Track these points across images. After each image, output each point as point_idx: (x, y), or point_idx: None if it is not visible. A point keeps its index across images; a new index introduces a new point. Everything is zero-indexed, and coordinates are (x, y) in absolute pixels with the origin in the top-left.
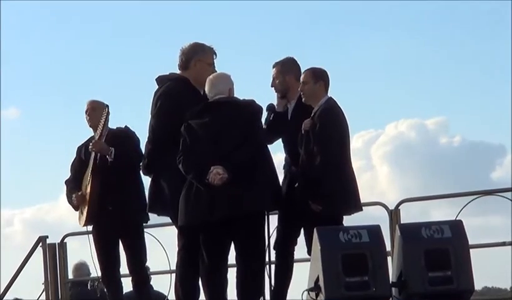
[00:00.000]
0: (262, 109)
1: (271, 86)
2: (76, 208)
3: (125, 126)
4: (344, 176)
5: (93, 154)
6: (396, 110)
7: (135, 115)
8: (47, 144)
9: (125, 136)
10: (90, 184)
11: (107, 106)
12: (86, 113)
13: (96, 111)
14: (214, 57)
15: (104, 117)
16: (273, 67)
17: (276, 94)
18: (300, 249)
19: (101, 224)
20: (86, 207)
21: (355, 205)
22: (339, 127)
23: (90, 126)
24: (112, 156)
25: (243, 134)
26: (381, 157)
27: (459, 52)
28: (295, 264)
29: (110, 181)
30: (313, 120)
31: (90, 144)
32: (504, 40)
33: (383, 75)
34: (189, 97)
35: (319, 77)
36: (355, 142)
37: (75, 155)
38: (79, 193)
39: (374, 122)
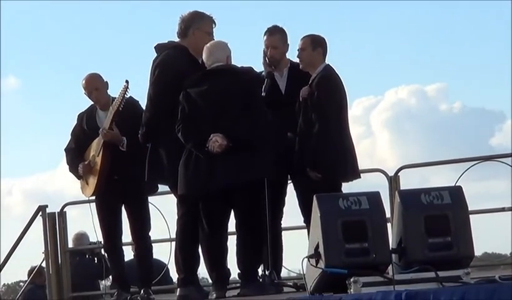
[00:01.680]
0: (260, 76)
1: (268, 56)
2: (79, 177)
3: (130, 96)
4: (342, 144)
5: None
6: (396, 77)
7: (134, 83)
8: (47, 113)
9: (131, 109)
10: (101, 156)
11: (127, 81)
12: (89, 95)
13: (100, 90)
14: (213, 26)
15: (122, 93)
16: (266, 35)
17: (263, 61)
18: (297, 217)
19: (105, 192)
20: (93, 178)
21: (353, 172)
22: (337, 94)
23: (100, 107)
24: (124, 147)
25: (242, 101)
26: (381, 124)
27: (460, 17)
28: (292, 231)
29: (120, 153)
30: (311, 87)
31: (100, 132)
32: (505, 5)
33: (383, 41)
34: (187, 66)
35: (317, 44)
36: (355, 109)
37: (76, 122)
38: (86, 163)
39: (374, 89)
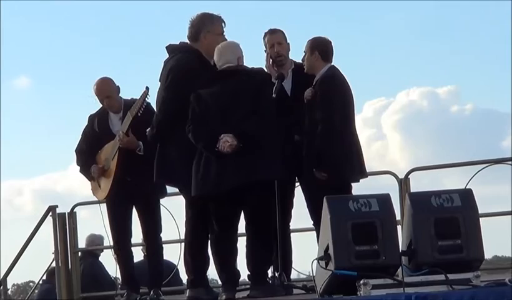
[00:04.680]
0: (271, 77)
1: (279, 56)
2: (91, 179)
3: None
4: (346, 142)
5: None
6: (407, 79)
7: (143, 83)
8: (57, 113)
9: (147, 113)
10: (116, 161)
11: (147, 88)
12: (101, 102)
13: (111, 97)
14: (223, 25)
15: (142, 100)
16: (267, 36)
17: (267, 64)
18: (305, 219)
19: (117, 194)
20: (106, 181)
21: (360, 170)
22: (340, 94)
23: (113, 111)
24: (141, 151)
25: (252, 102)
26: (392, 126)
27: (472, 19)
28: (302, 233)
29: (135, 157)
30: (314, 89)
31: (118, 138)
32: None
33: (395, 43)
34: (200, 69)
35: (314, 47)
36: (366, 111)
37: (87, 123)
38: (100, 166)
39: (385, 90)
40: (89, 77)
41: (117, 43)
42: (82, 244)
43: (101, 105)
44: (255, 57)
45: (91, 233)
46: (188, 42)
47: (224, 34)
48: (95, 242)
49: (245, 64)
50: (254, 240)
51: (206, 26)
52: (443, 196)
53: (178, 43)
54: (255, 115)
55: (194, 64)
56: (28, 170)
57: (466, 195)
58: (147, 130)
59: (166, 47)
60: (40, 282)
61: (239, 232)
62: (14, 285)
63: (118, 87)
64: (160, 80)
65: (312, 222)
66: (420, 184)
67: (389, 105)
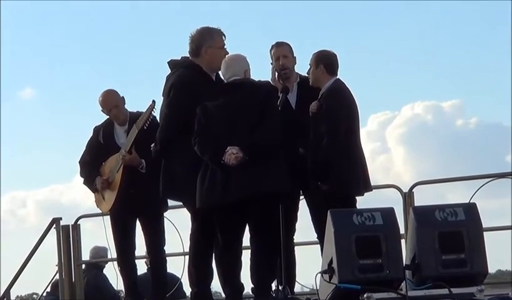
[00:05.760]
0: (277, 90)
1: (284, 69)
2: (95, 191)
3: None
4: (352, 156)
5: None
6: (412, 92)
7: (147, 95)
8: (61, 125)
9: (152, 129)
10: (121, 172)
11: (154, 102)
12: (108, 112)
13: (119, 107)
14: (224, 38)
15: (148, 113)
16: (274, 48)
17: (273, 77)
18: (309, 232)
19: (121, 206)
20: (110, 193)
21: (365, 185)
22: (345, 107)
23: (119, 123)
24: (143, 169)
25: (258, 115)
26: (396, 139)
27: (476, 33)
28: (305, 246)
29: (139, 171)
30: (319, 102)
31: (120, 156)
32: None
33: (400, 57)
34: (201, 85)
35: (319, 61)
36: (370, 124)
37: (92, 135)
38: (104, 178)
39: (390, 104)
40: (94, 88)
41: (122, 53)
42: (86, 256)
43: (107, 117)
44: (263, 70)
45: (95, 245)
46: (189, 56)
47: (225, 46)
48: (100, 254)
49: (251, 77)
50: (258, 253)
51: (207, 41)
52: (447, 210)
53: (179, 58)
54: (261, 127)
55: (195, 79)
56: (32, 182)
57: (470, 210)
58: (151, 145)
59: (168, 62)
60: (44, 294)
61: (244, 245)
62: (17, 297)
63: (123, 98)
64: (162, 95)
65: (316, 235)
66: (424, 197)
67: (394, 118)
